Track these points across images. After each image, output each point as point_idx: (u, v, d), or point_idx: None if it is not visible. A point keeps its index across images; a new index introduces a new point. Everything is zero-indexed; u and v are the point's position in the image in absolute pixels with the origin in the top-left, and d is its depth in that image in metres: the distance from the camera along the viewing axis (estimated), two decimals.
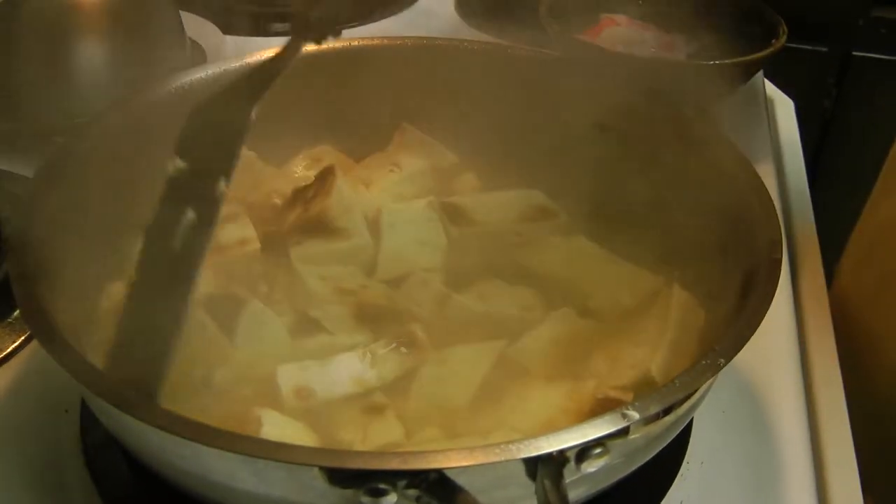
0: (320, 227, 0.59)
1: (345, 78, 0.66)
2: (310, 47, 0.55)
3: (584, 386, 0.48)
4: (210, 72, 0.64)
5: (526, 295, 0.55)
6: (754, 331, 0.42)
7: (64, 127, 0.77)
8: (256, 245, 0.60)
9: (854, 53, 1.34)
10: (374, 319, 0.53)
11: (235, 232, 0.59)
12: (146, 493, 0.50)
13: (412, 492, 0.35)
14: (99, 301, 0.54)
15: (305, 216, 0.59)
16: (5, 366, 0.60)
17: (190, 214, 0.45)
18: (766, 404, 0.58)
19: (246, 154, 0.63)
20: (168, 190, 0.47)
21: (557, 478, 0.35)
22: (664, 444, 0.44)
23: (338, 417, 0.46)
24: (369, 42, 0.67)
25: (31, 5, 0.76)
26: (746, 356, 0.42)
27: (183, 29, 0.85)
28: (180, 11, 0.85)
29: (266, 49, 0.59)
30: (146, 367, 0.42)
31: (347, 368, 0.48)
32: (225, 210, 0.59)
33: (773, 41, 0.80)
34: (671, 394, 0.39)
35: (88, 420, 0.54)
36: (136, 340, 0.44)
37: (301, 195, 0.61)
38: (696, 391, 0.40)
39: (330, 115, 0.67)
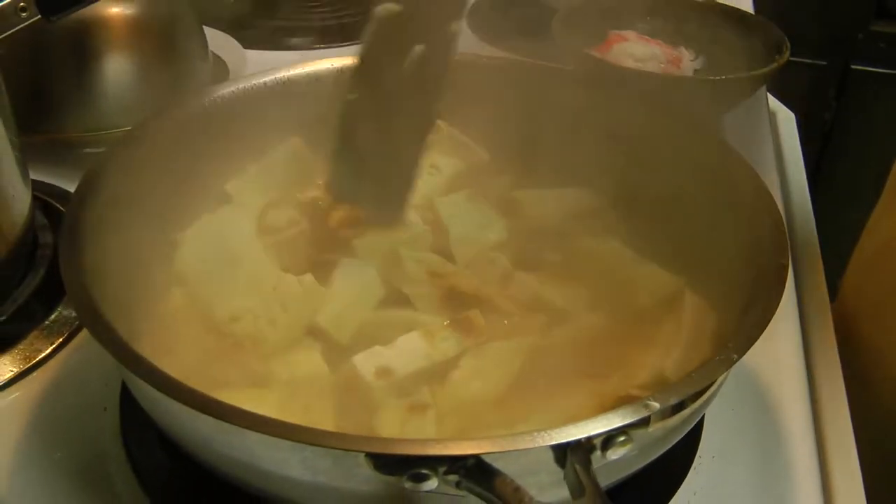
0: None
1: None
2: None
3: (605, 384, 0.51)
4: (241, 86, 0.67)
5: (569, 289, 0.59)
6: (764, 328, 0.45)
7: (94, 138, 0.80)
8: (305, 225, 0.64)
9: (853, 67, 1.37)
10: (460, 303, 0.57)
11: (283, 215, 0.64)
12: (187, 483, 0.53)
13: (452, 477, 0.37)
14: (147, 298, 0.57)
15: (353, 213, 0.63)
16: (42, 368, 0.63)
17: (418, 49, 0.50)
18: (773, 403, 0.61)
19: (295, 143, 0.67)
20: (381, 30, 0.52)
21: (586, 464, 0.38)
22: (681, 436, 0.47)
23: (383, 413, 0.49)
24: None
25: (63, 21, 0.79)
26: (754, 358, 0.44)
27: (206, 44, 0.88)
28: (203, 27, 0.88)
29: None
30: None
31: (414, 347, 0.53)
32: (272, 195, 0.64)
33: (778, 56, 0.83)
34: (689, 386, 0.42)
35: (128, 416, 0.57)
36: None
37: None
38: (711, 384, 0.43)
39: None
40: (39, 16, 0.65)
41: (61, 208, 0.76)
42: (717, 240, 0.57)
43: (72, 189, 0.76)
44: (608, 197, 0.66)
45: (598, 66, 0.80)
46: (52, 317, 0.66)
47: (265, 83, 0.67)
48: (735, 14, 0.90)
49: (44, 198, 0.76)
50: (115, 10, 0.79)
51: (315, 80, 0.69)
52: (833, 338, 0.69)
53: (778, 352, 0.65)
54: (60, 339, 0.65)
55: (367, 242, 0.62)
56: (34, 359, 0.63)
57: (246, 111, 0.67)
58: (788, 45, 0.83)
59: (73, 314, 0.66)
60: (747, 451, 0.56)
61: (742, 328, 0.45)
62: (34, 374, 0.62)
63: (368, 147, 0.59)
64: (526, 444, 0.37)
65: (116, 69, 0.80)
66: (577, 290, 0.59)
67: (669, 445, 0.46)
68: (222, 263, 0.61)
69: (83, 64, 0.79)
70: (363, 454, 0.37)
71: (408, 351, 0.52)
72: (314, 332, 0.56)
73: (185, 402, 0.41)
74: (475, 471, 0.37)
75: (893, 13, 1.36)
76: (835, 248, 0.86)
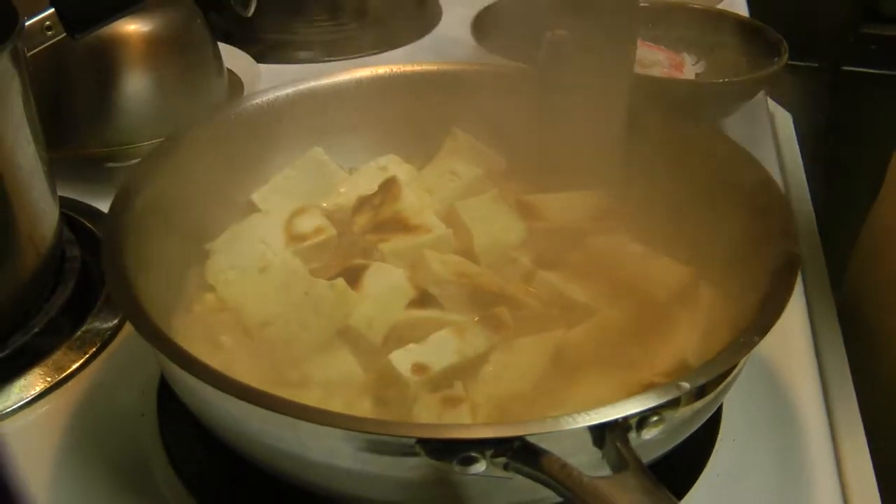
0: (399, 226, 0.65)
1: (404, 97, 0.73)
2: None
3: (630, 375, 0.53)
4: (265, 98, 0.69)
5: (589, 285, 0.61)
6: (782, 311, 0.47)
7: (116, 153, 0.82)
8: (333, 231, 0.67)
9: (845, 69, 1.40)
10: (486, 302, 0.59)
11: (310, 222, 0.66)
12: (231, 479, 0.55)
13: (500, 459, 0.39)
14: (181, 304, 0.59)
15: (377, 220, 0.66)
16: (75, 379, 0.64)
17: None
18: (785, 386, 0.63)
19: (317, 152, 0.69)
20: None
21: (625, 441, 0.40)
22: (706, 417, 0.49)
23: (419, 407, 0.51)
24: (420, 68, 0.74)
25: (83, 40, 0.82)
26: (765, 346, 0.47)
27: (221, 59, 0.90)
28: (219, 43, 0.91)
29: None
30: None
31: (446, 344, 0.55)
32: (297, 204, 0.66)
33: (776, 59, 0.86)
34: (715, 368, 0.44)
35: (167, 419, 0.59)
36: None
37: (368, 202, 0.67)
38: (735, 367, 0.45)
39: (392, 128, 0.73)
40: (65, 34, 0.67)
41: (86, 223, 0.78)
42: (728, 232, 0.59)
43: (95, 204, 0.79)
44: (620, 197, 0.68)
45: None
46: (83, 328, 0.68)
47: (287, 95, 0.70)
48: (733, 19, 0.93)
49: (68, 213, 0.78)
50: (132, 28, 0.82)
51: (335, 90, 0.72)
52: (836, 323, 0.72)
53: (787, 338, 0.67)
54: (92, 350, 0.66)
55: (393, 246, 0.64)
56: (66, 370, 0.65)
57: (270, 123, 0.69)
58: (787, 47, 0.86)
59: (104, 326, 0.68)
60: (765, 434, 0.59)
61: (762, 313, 0.47)
62: (67, 384, 0.64)
63: None
64: (569, 426, 0.39)
65: (136, 85, 0.82)
66: (596, 286, 0.61)
67: (696, 427, 0.48)
68: (253, 271, 0.63)
69: (103, 80, 0.81)
70: (415, 440, 0.40)
71: (440, 348, 0.54)
72: (345, 335, 0.58)
73: (240, 397, 0.43)
74: (521, 452, 0.39)
75: (882, 16, 1.39)
76: (833, 243, 0.89)
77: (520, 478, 0.40)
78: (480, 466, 0.40)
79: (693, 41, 0.90)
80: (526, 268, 0.63)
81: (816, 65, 1.38)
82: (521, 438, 0.39)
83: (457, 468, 0.40)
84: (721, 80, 0.85)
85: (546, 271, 0.63)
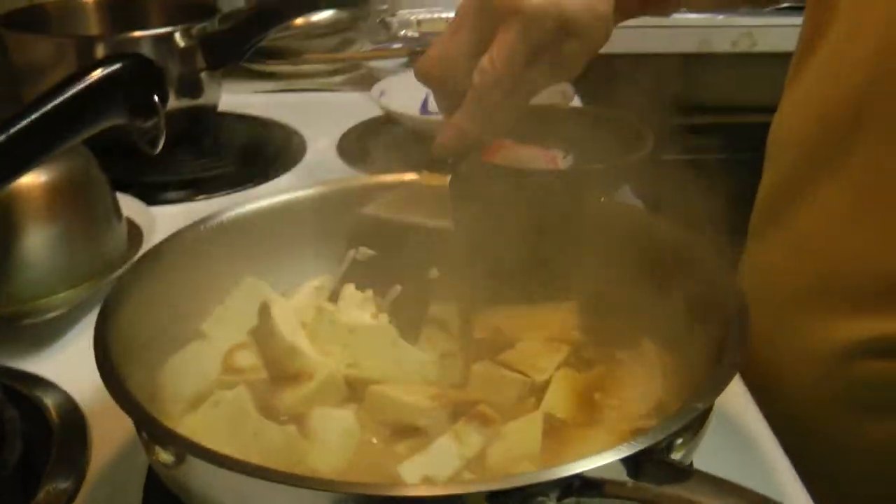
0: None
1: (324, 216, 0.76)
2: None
3: (613, 424, 0.58)
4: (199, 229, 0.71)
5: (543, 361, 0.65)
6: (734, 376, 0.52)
7: (27, 309, 0.80)
8: (263, 374, 0.66)
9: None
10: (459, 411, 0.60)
11: (246, 359, 0.66)
12: None
13: (568, 501, 0.43)
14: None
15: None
16: None
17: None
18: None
19: (254, 284, 0.70)
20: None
21: (665, 460, 0.45)
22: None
23: None
24: (337, 186, 0.78)
25: None
26: None
27: (118, 205, 0.90)
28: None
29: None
30: None
31: (446, 450, 0.56)
32: (240, 336, 0.67)
33: (640, 148, 0.96)
34: (707, 394, 0.49)
35: None
36: None
37: None
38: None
39: (324, 248, 0.75)
40: None
41: (14, 385, 0.74)
42: (663, 295, 0.65)
43: (17, 364, 0.76)
44: (558, 286, 0.72)
45: (498, 171, 0.90)
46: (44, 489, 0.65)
47: (220, 222, 0.71)
48: (592, 113, 1.04)
49: None
50: (29, 180, 0.80)
51: (260, 216, 0.74)
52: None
53: None
54: None
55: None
56: None
57: (209, 252, 0.70)
58: (652, 137, 0.97)
59: (62, 486, 0.65)
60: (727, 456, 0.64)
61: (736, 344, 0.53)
62: None
63: None
64: (616, 456, 0.44)
65: (39, 237, 0.81)
66: (554, 358, 0.66)
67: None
68: (207, 405, 0.61)
69: (4, 237, 0.80)
70: (485, 493, 0.42)
71: (442, 455, 0.55)
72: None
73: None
74: (584, 488, 0.43)
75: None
76: None
77: None
78: None
79: (560, 137, 1.00)
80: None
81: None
82: (579, 476, 0.43)
83: None
84: (589, 167, 0.95)
85: (492, 365, 0.65)
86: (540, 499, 0.42)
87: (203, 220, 0.71)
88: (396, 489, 0.42)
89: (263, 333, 0.67)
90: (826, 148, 0.81)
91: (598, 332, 0.68)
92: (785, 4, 1.99)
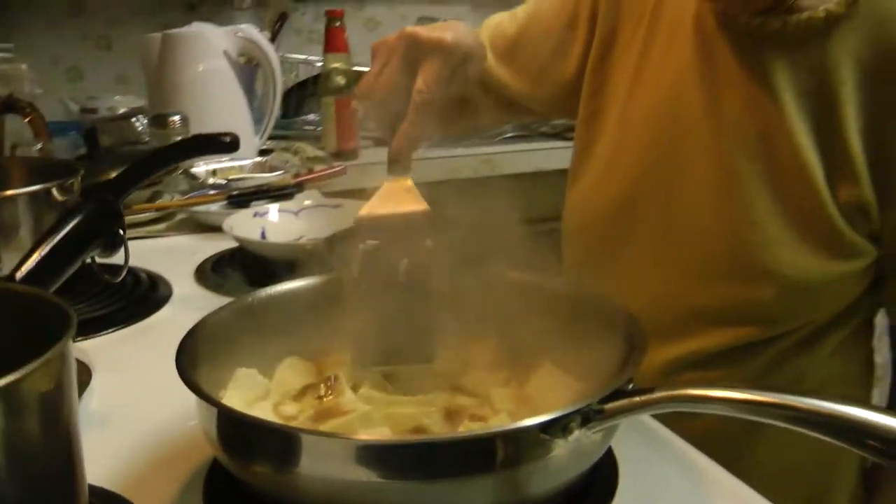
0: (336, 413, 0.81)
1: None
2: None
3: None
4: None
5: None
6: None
7: None
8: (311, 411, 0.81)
9: None
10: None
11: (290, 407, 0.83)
12: None
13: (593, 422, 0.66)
14: None
15: (321, 408, 0.81)
16: None
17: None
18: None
19: (244, 372, 0.86)
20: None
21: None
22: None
23: None
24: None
25: None
26: None
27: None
28: None
29: None
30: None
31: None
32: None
33: None
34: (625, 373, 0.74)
35: None
36: None
37: (312, 391, 0.84)
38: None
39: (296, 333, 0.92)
40: None
41: None
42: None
43: None
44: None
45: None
46: None
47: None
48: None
49: None
50: None
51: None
52: None
53: None
54: None
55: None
56: None
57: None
58: None
59: None
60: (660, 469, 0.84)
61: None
62: None
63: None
64: (606, 391, 0.68)
65: None
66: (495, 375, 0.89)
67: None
68: None
69: None
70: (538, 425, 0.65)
71: None
72: None
73: None
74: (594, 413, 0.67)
75: None
76: None
77: None
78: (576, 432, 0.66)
79: None
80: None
81: None
82: (588, 406, 0.67)
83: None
84: None
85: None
86: (571, 424, 0.66)
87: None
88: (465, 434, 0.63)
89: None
90: (614, 227, 1.15)
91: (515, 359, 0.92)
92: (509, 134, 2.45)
